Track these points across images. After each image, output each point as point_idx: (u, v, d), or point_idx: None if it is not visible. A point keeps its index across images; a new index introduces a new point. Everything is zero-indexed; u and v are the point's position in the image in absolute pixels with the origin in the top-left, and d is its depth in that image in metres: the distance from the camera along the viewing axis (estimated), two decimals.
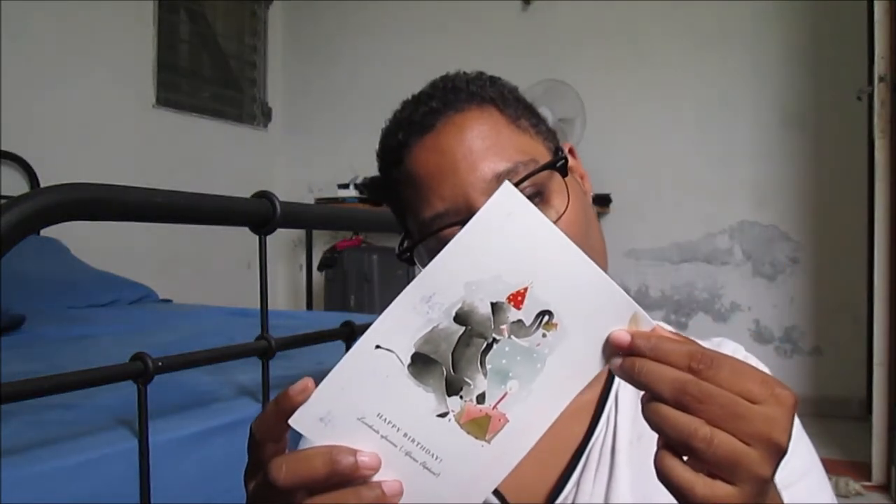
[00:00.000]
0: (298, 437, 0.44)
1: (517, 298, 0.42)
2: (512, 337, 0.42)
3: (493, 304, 0.42)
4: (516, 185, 0.56)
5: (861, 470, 2.37)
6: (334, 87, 4.12)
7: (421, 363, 0.42)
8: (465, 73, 0.65)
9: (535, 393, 0.42)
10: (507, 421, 0.42)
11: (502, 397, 0.42)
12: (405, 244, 0.64)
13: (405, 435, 0.42)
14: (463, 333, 0.42)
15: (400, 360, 0.41)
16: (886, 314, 2.34)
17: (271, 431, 0.42)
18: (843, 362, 3.16)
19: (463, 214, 0.57)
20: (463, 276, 0.41)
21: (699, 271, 3.42)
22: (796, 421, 0.60)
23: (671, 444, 0.39)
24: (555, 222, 0.54)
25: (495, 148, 0.59)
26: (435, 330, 0.41)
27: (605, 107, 3.39)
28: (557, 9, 3.59)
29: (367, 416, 0.41)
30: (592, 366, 0.43)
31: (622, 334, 0.41)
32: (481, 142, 0.59)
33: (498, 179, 0.57)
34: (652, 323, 0.42)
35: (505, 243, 0.41)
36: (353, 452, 0.40)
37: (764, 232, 3.31)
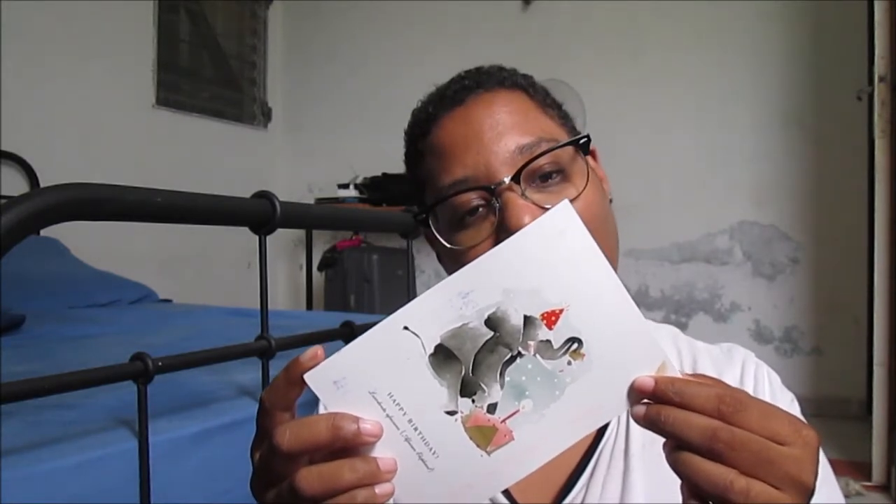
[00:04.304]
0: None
1: (551, 318, 0.41)
2: (537, 356, 0.41)
3: (525, 317, 0.41)
4: (538, 156, 0.57)
5: (861, 470, 2.37)
6: (334, 88, 4.12)
7: (443, 356, 0.41)
8: (499, 65, 0.66)
9: (546, 419, 0.41)
10: (512, 439, 0.42)
11: (513, 413, 0.41)
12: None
13: (410, 421, 0.41)
14: (490, 338, 0.41)
15: (423, 346, 0.41)
16: (886, 314, 2.33)
17: (281, 399, 0.42)
18: (843, 362, 3.16)
19: (482, 182, 0.57)
20: (503, 281, 0.41)
21: (699, 271, 3.42)
22: None
23: (703, 494, 0.39)
24: (573, 200, 0.53)
25: (521, 124, 0.59)
26: (464, 327, 0.41)
27: (605, 107, 3.39)
28: (557, 9, 3.59)
29: (379, 391, 0.41)
30: (611, 408, 0.42)
31: (646, 379, 0.40)
32: (508, 117, 0.59)
33: (520, 152, 0.57)
34: (679, 375, 0.41)
35: (552, 259, 0.41)
36: (356, 420, 0.40)
37: (764, 232, 3.31)
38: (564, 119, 0.65)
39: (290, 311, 2.73)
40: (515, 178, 0.56)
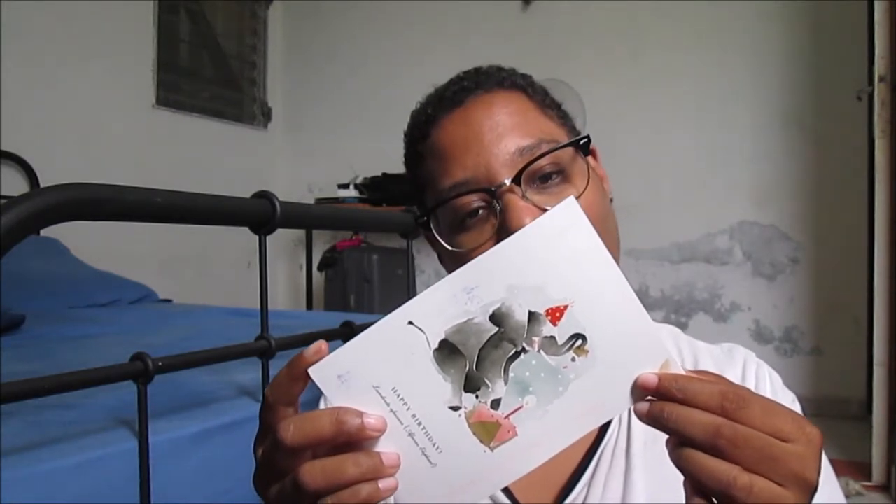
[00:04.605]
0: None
1: (555, 314, 0.41)
2: (541, 352, 0.41)
3: (530, 313, 0.41)
4: (538, 157, 0.57)
5: (861, 470, 2.37)
6: (334, 88, 4.12)
7: (447, 351, 0.41)
8: (498, 65, 0.66)
9: (550, 415, 0.41)
10: (516, 435, 0.41)
11: (517, 409, 0.41)
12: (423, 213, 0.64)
13: (413, 416, 0.41)
14: (494, 334, 0.41)
15: (428, 341, 0.41)
16: (886, 314, 2.33)
17: (284, 394, 0.42)
18: (843, 362, 3.16)
19: (483, 184, 0.57)
20: (508, 277, 0.41)
21: (699, 271, 3.42)
22: None
23: (706, 491, 0.39)
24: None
25: (521, 125, 0.59)
26: (469, 323, 0.41)
27: (605, 107, 3.39)
28: (557, 9, 3.59)
29: (383, 386, 0.41)
30: (614, 405, 0.42)
31: (650, 376, 0.41)
32: (508, 118, 0.59)
33: (521, 154, 0.57)
34: (682, 372, 0.41)
35: (557, 256, 0.41)
36: (360, 414, 0.40)
37: (764, 232, 3.31)
38: (564, 119, 0.65)
39: (290, 311, 2.73)
40: (516, 180, 0.56)
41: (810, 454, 0.39)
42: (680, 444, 0.40)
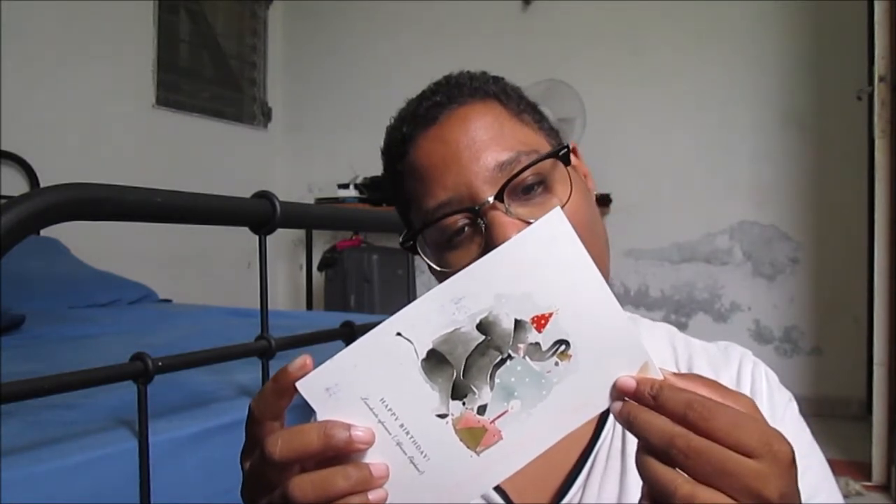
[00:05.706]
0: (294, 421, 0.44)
1: (540, 321, 0.42)
2: (526, 358, 0.42)
3: (516, 321, 0.42)
4: (518, 173, 0.57)
5: (861, 470, 2.37)
6: (334, 88, 4.12)
7: (435, 360, 0.42)
8: (468, 72, 0.65)
9: (534, 417, 0.43)
10: (501, 438, 0.43)
11: (502, 414, 0.42)
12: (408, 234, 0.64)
13: (401, 426, 0.42)
14: (481, 342, 0.42)
15: (416, 352, 0.42)
16: (886, 314, 2.33)
17: (270, 408, 0.43)
18: (843, 362, 3.16)
19: (466, 203, 0.57)
20: (495, 286, 0.42)
21: (699, 271, 3.42)
22: (807, 432, 0.60)
23: (655, 496, 0.39)
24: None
25: (498, 138, 0.59)
26: (456, 332, 0.42)
27: (605, 107, 3.39)
28: (557, 9, 3.59)
29: (371, 397, 0.42)
30: (594, 405, 0.43)
31: (628, 380, 0.42)
32: (484, 132, 0.59)
33: (500, 169, 0.57)
34: (660, 375, 0.42)
35: (543, 265, 0.42)
36: (348, 427, 0.41)
37: (764, 232, 3.31)
38: (541, 122, 0.64)
39: (290, 311, 2.73)
40: (498, 197, 0.56)
41: (773, 472, 0.38)
42: (642, 448, 0.41)
